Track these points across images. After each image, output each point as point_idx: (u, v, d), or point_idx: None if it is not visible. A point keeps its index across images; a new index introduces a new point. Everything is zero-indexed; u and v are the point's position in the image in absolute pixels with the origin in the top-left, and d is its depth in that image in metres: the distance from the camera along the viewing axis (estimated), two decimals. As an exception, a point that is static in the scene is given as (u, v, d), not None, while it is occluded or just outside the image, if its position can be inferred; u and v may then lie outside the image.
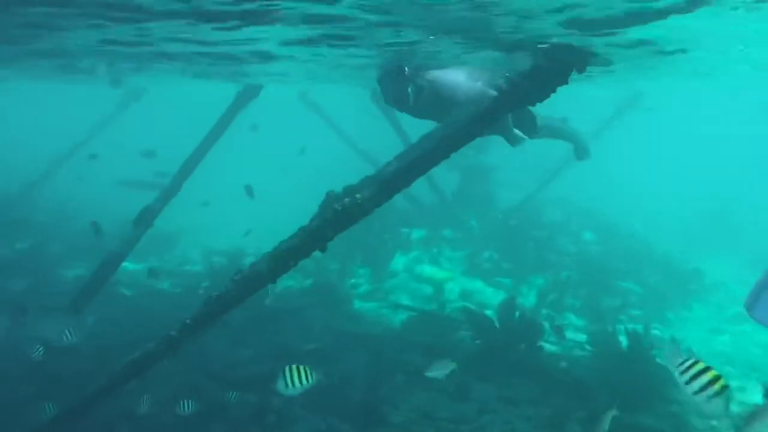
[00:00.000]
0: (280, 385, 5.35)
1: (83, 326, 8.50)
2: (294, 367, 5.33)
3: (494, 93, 5.27)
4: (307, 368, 5.35)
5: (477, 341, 9.45)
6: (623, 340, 9.53)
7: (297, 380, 5.30)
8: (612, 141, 17.76)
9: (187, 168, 10.09)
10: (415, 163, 5.07)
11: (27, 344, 7.84)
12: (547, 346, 9.77)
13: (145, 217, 9.16)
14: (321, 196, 6.69)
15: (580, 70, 4.51)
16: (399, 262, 14.05)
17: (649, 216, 21.14)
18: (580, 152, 7.88)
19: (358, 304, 12.18)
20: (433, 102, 6.19)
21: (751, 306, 8.25)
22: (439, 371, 6.96)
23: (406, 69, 6.28)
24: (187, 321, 5.74)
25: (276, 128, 26.61)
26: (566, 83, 4.44)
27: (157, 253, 15.88)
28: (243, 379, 8.34)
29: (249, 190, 12.66)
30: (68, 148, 17.96)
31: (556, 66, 4.35)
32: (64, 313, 8.59)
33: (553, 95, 4.53)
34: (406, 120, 14.50)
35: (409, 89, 6.19)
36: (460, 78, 6.16)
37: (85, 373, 7.83)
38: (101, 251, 10.13)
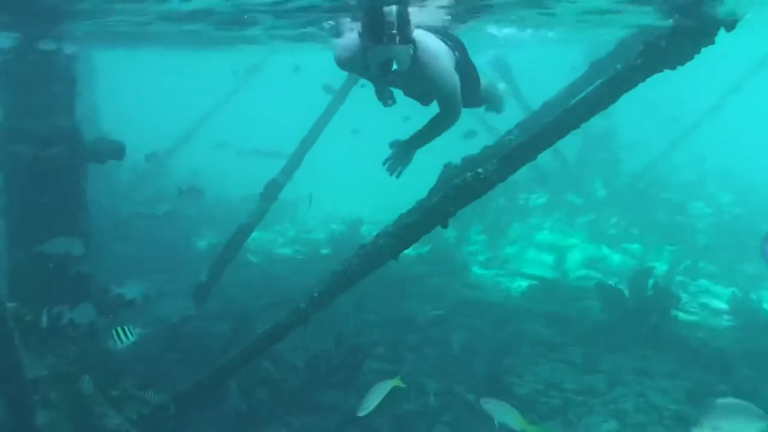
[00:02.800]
0: (110, 344, 6.10)
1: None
2: (119, 327, 6.07)
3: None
4: (129, 327, 6.07)
5: (605, 312, 9.07)
6: (766, 308, 8.79)
7: (123, 337, 6.05)
8: (746, 100, 16.19)
9: (309, 140, 10.33)
10: (542, 135, 4.82)
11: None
12: (683, 316, 9.21)
13: (272, 191, 9.52)
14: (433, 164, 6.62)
15: (730, 28, 4.05)
16: (518, 228, 13.74)
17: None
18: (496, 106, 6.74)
19: (476, 271, 12.08)
20: (416, 77, 4.99)
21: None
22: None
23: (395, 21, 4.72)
24: (315, 294, 5.92)
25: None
26: (712, 43, 4.02)
27: (280, 221, 16.55)
28: (368, 345, 8.57)
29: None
30: (195, 122, 18.88)
31: (701, 24, 3.94)
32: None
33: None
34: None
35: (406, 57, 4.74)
36: (443, 54, 5.07)
37: (225, 337, 8.42)
38: (230, 221, 10.72)
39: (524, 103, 13.69)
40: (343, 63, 5.36)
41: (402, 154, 5.42)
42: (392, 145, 5.47)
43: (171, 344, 8.11)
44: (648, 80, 4.42)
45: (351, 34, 5.28)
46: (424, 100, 5.59)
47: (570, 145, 15.30)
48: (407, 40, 4.70)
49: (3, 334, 4.27)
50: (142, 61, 21.86)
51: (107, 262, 9.04)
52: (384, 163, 5.47)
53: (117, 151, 7.50)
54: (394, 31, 4.63)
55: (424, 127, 5.35)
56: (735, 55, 15.07)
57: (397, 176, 5.51)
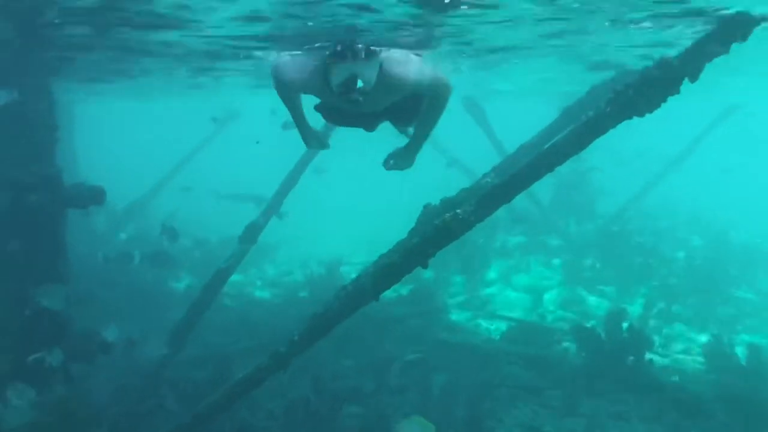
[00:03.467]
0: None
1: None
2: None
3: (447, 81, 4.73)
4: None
5: (582, 354, 9.15)
6: (740, 353, 8.95)
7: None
8: (713, 147, 16.85)
9: (288, 184, 10.41)
10: (518, 177, 4.97)
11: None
12: (658, 359, 9.32)
13: (251, 234, 9.54)
14: (414, 205, 6.72)
15: (743, 38, 4.26)
16: (495, 270, 13.88)
17: (760, 221, 19.77)
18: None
19: (455, 313, 12.12)
20: (381, 92, 4.74)
21: None
22: None
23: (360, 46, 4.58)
24: (295, 337, 5.93)
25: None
26: (726, 53, 4.24)
27: (257, 264, 16.48)
28: (347, 390, 8.51)
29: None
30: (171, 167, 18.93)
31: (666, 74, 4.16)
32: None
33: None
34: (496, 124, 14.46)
35: (372, 73, 4.53)
36: (412, 59, 4.93)
37: (204, 383, 8.30)
38: (209, 264, 10.62)
39: (499, 146, 14.05)
40: (292, 84, 4.93)
41: (403, 161, 5.31)
42: (390, 156, 5.33)
43: (149, 390, 7.97)
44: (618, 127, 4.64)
45: (296, 57, 5.27)
46: (389, 116, 5.39)
47: (544, 187, 15.67)
48: (373, 55, 4.52)
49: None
50: (122, 108, 22.04)
51: (84, 305, 8.91)
52: (385, 164, 5.36)
53: (97, 196, 7.50)
54: (360, 46, 4.49)
55: (418, 126, 5.14)
56: (703, 104, 15.74)
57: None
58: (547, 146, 4.82)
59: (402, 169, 5.36)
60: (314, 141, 5.49)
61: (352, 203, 24.46)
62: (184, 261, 14.94)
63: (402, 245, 5.76)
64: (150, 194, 17.61)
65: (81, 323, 7.47)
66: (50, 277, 7.03)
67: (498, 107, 16.17)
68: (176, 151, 18.69)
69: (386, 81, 4.64)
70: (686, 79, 4.36)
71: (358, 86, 4.44)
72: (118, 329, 7.34)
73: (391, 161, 5.33)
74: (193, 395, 7.95)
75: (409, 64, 4.77)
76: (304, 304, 11.93)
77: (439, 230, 5.09)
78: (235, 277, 13.53)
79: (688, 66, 4.25)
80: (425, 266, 5.48)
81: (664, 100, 4.25)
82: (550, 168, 4.80)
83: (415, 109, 5.17)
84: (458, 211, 5.08)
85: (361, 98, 4.54)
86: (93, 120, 21.72)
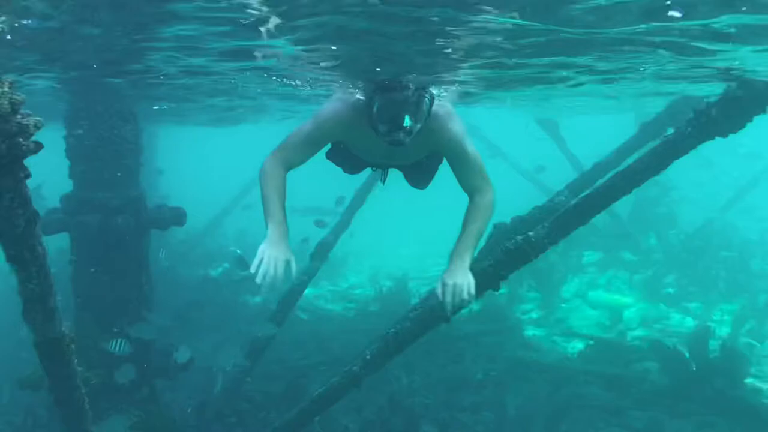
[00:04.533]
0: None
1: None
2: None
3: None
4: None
5: (665, 374, 8.74)
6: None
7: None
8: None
9: (358, 201, 10.54)
10: (595, 199, 4.84)
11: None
12: (750, 381, 8.79)
13: (322, 251, 9.70)
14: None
15: None
16: (571, 286, 13.49)
17: None
18: None
19: (529, 331, 11.87)
20: (422, 138, 4.28)
21: None
22: None
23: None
24: (368, 356, 5.97)
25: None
26: (764, 112, 4.01)
27: (329, 277, 16.72)
28: (421, 408, 8.47)
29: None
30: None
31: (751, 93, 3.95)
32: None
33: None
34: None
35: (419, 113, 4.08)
36: (454, 111, 4.48)
37: (277, 397, 8.47)
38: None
39: (575, 162, 13.72)
40: (341, 122, 4.39)
41: (463, 278, 4.22)
42: (448, 280, 4.20)
43: (227, 406, 8.21)
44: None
45: (343, 99, 4.65)
46: (411, 171, 4.95)
47: (622, 200, 15.11)
48: (422, 92, 4.08)
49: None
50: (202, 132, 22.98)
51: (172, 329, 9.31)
52: (443, 291, 4.18)
53: (178, 217, 7.84)
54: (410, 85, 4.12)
55: (462, 241, 4.33)
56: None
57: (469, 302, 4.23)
58: (625, 167, 4.65)
59: (465, 289, 4.18)
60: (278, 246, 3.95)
61: (419, 218, 24.55)
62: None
63: (473, 267, 5.69)
64: (219, 215, 18.29)
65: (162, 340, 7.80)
66: (135, 296, 7.38)
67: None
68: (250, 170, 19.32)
69: (431, 126, 4.22)
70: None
71: (405, 124, 4.00)
72: (190, 350, 7.58)
73: (450, 283, 4.17)
74: (268, 409, 8.16)
75: (454, 117, 4.36)
76: (374, 318, 12.02)
77: (511, 253, 4.98)
78: (307, 290, 13.86)
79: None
80: (497, 289, 5.39)
81: (750, 120, 4.04)
82: (627, 190, 4.65)
83: (434, 169, 4.87)
84: (530, 234, 4.98)
85: (407, 139, 4.05)
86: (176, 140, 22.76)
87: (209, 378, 8.91)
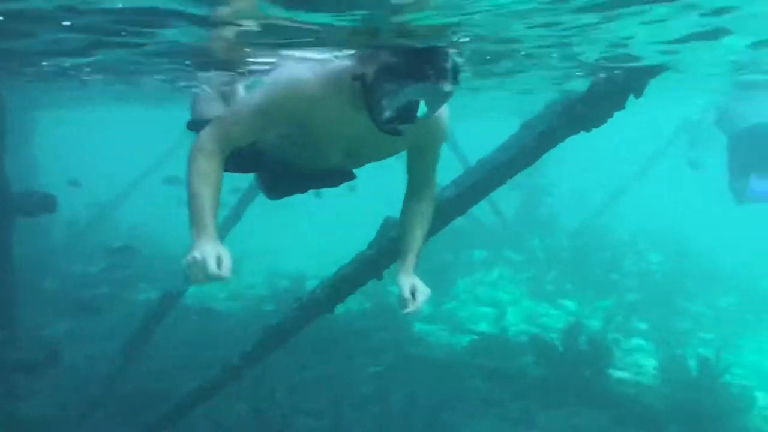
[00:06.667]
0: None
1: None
2: None
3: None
4: None
5: (541, 367, 9.22)
6: (693, 366, 9.11)
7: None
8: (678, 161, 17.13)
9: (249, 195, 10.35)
10: (471, 191, 5.03)
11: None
12: (614, 372, 9.44)
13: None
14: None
15: (638, 95, 4.39)
16: (460, 284, 13.94)
17: (722, 236, 20.22)
18: None
19: (419, 326, 12.13)
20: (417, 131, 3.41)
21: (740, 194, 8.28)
22: None
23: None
24: (248, 349, 5.87)
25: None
26: (623, 108, 4.34)
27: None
28: (306, 403, 8.42)
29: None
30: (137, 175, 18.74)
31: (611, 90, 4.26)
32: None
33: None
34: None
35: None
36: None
37: (157, 394, 8.12)
38: (171, 276, 10.47)
39: (465, 162, 14.17)
40: (308, 97, 3.17)
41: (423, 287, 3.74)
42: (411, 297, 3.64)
43: (97, 403, 7.79)
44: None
45: (311, 66, 3.33)
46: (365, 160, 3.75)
47: (508, 202, 15.86)
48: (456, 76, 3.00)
49: None
50: (88, 116, 21.75)
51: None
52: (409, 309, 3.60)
53: (48, 204, 7.33)
54: (448, 66, 2.95)
55: (407, 242, 3.93)
56: (659, 120, 16.09)
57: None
58: (498, 160, 4.87)
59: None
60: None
61: (320, 217, 24.47)
62: (146, 272, 14.71)
63: (358, 257, 5.77)
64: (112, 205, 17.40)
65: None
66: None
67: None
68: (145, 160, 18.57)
69: (432, 120, 3.28)
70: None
71: (418, 114, 3.01)
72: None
73: (420, 299, 3.64)
74: (146, 406, 7.80)
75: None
76: (268, 317, 11.79)
77: (393, 242, 5.08)
78: (195, 289, 13.43)
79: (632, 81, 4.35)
80: (379, 278, 5.49)
81: (611, 116, 4.35)
82: (501, 181, 4.87)
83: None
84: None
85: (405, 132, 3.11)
86: (58, 126, 21.41)
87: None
